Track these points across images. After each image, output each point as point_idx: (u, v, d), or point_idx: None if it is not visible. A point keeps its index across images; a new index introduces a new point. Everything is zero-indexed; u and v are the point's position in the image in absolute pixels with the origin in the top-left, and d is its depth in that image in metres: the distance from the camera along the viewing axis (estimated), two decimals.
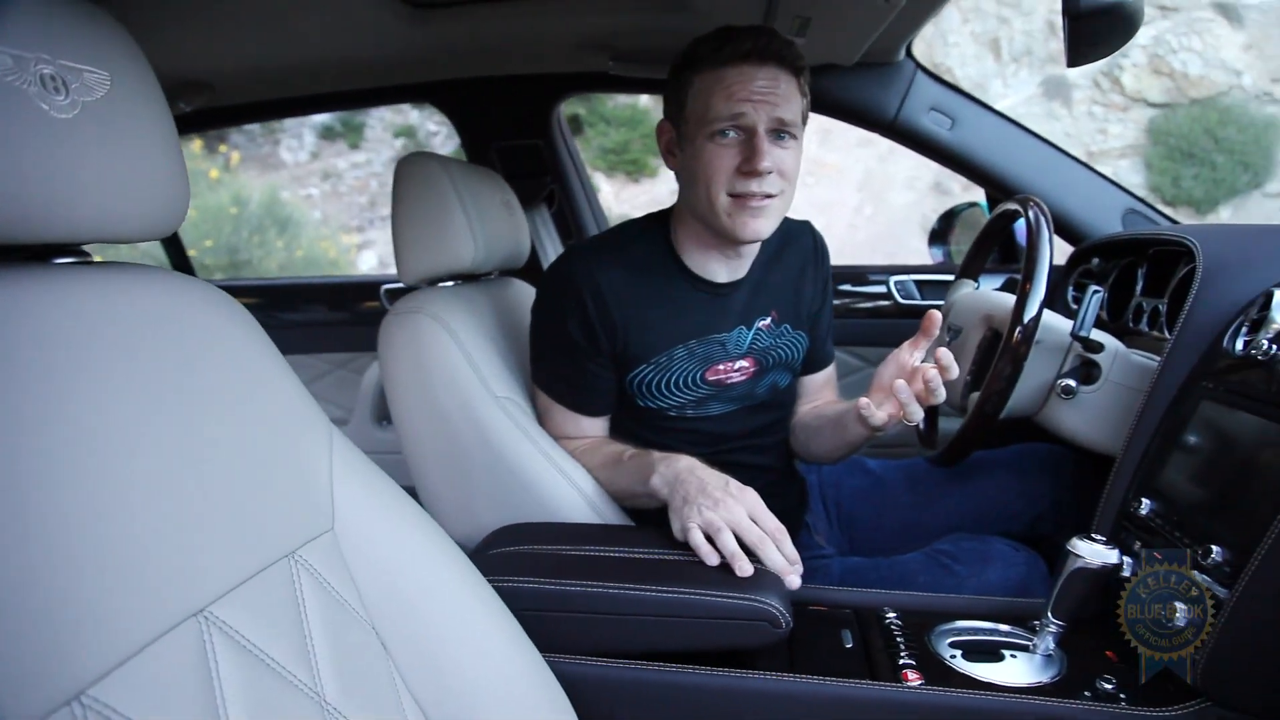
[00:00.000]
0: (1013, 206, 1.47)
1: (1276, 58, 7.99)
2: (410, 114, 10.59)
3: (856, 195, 8.90)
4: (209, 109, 2.07)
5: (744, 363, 1.40)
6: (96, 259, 0.71)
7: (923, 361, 1.21)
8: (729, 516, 1.07)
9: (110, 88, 0.65)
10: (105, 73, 0.64)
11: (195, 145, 8.37)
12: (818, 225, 1.53)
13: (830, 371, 1.64)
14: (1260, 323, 1.03)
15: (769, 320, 1.42)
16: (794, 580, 1.08)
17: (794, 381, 1.52)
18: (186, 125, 2.27)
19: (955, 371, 1.14)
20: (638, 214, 1.42)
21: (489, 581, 0.92)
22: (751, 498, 1.12)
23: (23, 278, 0.62)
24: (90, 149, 0.62)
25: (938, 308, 1.68)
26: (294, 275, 7.99)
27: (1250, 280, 1.12)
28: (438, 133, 11.48)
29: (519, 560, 1.09)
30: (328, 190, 11.03)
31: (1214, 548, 0.91)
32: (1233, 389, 1.03)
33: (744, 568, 1.04)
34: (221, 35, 1.58)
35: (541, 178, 2.23)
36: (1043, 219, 1.32)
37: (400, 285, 2.43)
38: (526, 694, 0.88)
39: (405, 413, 1.36)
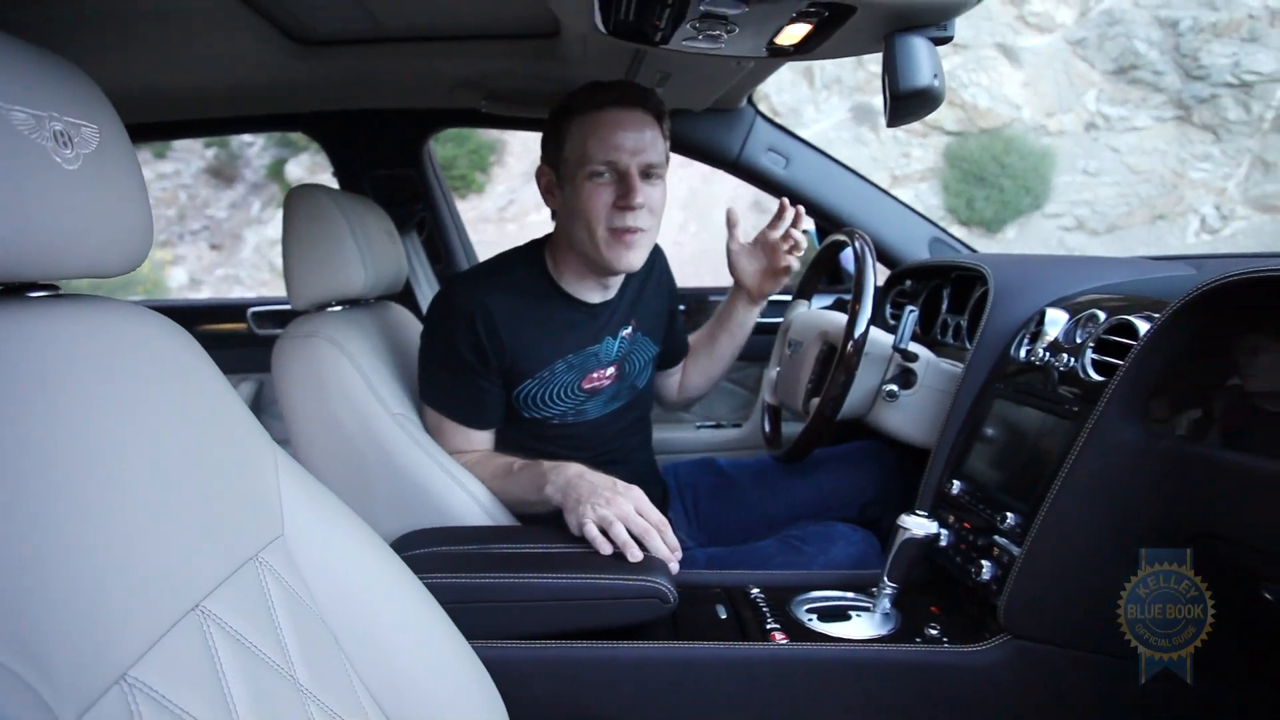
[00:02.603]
0: (841, 237, 1.63)
1: (1049, 95, 8.95)
2: None
3: (681, 213, 9.13)
4: None
5: (611, 369, 1.55)
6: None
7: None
8: (619, 511, 1.21)
9: (100, 139, 0.71)
10: (95, 125, 0.71)
11: None
12: None
13: None
14: (1037, 335, 1.27)
15: (630, 329, 1.58)
16: (675, 565, 1.22)
17: (650, 381, 1.69)
18: None
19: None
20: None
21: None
22: (637, 494, 1.25)
23: (7, 311, 0.67)
24: (90, 196, 0.69)
25: (777, 326, 1.89)
26: (156, 298, 7.42)
27: (1030, 300, 1.35)
28: (254, 143, 10.94)
29: (439, 560, 1.19)
30: None
31: (1009, 515, 1.14)
32: (1019, 389, 1.25)
33: (635, 554, 1.18)
34: (102, 59, 1.57)
35: (412, 206, 2.30)
36: (867, 249, 1.49)
37: (267, 309, 2.45)
38: (458, 677, 0.97)
39: (304, 431, 1.40)
